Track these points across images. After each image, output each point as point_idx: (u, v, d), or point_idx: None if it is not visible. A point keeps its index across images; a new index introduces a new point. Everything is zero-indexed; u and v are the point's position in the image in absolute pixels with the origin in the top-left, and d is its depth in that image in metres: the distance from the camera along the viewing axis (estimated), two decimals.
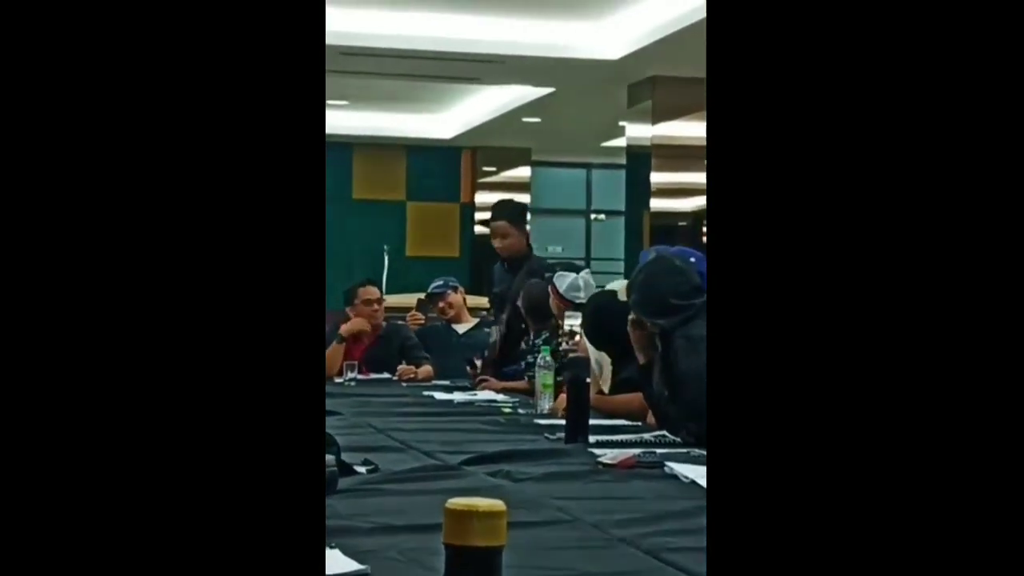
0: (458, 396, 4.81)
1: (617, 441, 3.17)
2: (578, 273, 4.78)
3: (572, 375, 3.40)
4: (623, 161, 10.87)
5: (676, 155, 9.68)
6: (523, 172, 14.75)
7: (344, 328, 5.97)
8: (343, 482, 2.39)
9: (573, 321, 4.39)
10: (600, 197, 15.42)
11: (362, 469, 2.63)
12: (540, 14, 8.70)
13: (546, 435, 3.39)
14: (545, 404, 4.02)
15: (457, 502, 1.36)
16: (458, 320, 6.26)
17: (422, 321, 6.53)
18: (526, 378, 4.73)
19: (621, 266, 11.27)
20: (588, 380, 3.45)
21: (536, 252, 5.98)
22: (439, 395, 4.87)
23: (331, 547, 1.73)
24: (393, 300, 7.81)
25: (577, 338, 4.33)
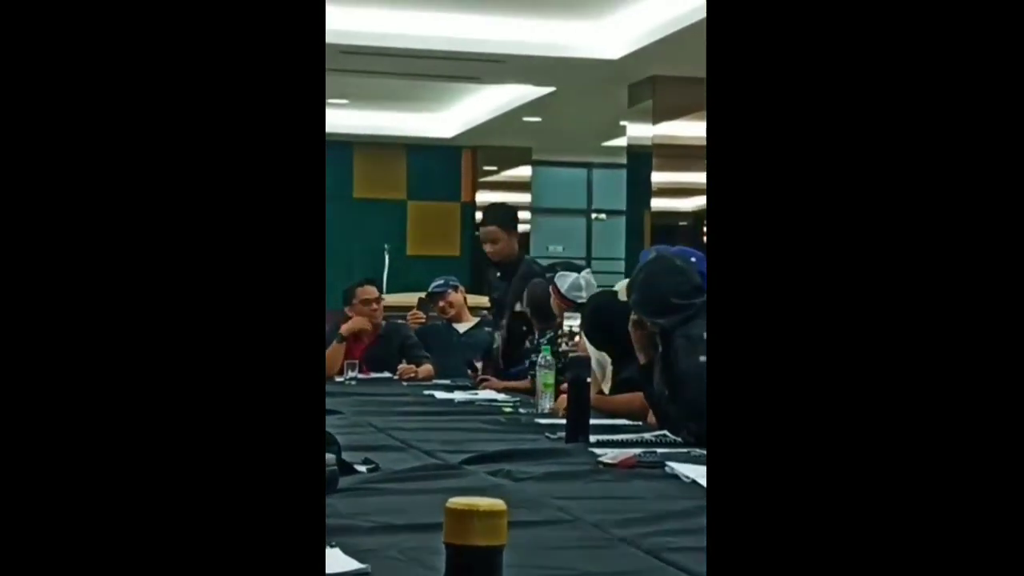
0: (459, 395, 4.81)
1: (618, 441, 3.17)
2: (579, 273, 4.78)
3: (573, 375, 3.39)
4: (624, 161, 10.87)
5: (677, 155, 9.68)
6: (524, 171, 14.75)
7: (344, 327, 5.97)
8: (344, 481, 2.39)
9: (572, 321, 4.39)
10: (601, 197, 15.41)
11: (363, 468, 2.63)
12: (541, 13, 8.70)
13: (547, 435, 3.39)
14: (546, 404, 4.02)
15: (458, 501, 1.36)
16: (459, 319, 6.26)
17: (423, 320, 6.53)
18: (529, 377, 4.73)
19: (622, 266, 11.26)
20: (589, 380, 3.45)
21: (537, 252, 6.00)
22: (440, 394, 4.87)
23: (331, 546, 1.73)
24: (394, 299, 7.81)
25: (577, 338, 4.33)
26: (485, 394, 4.85)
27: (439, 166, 14.29)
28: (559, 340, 4.40)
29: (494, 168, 14.56)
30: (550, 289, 4.79)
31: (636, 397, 3.70)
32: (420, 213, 14.47)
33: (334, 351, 5.76)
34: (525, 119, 11.98)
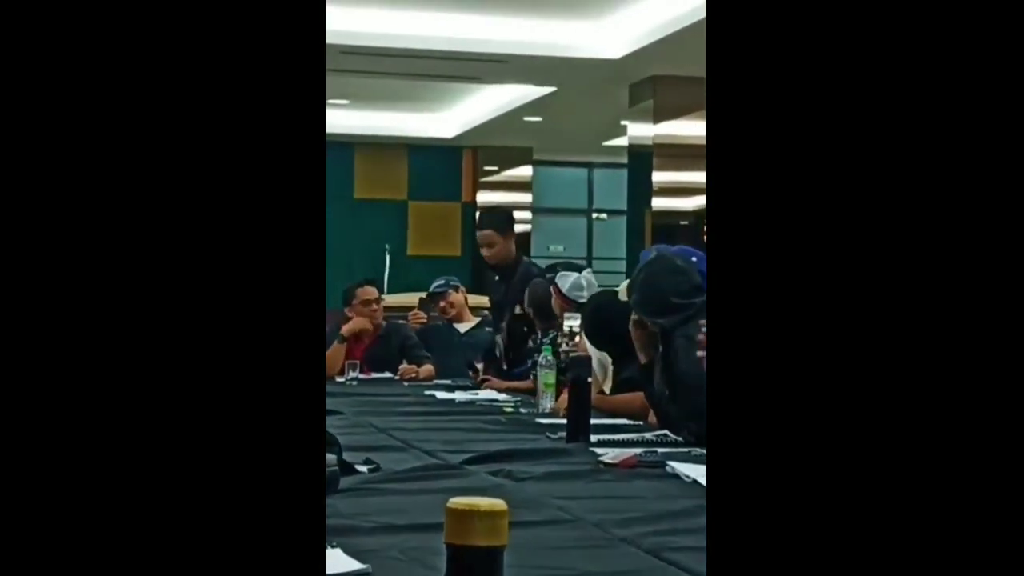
0: (459, 395, 4.81)
1: (618, 440, 3.17)
2: (580, 273, 4.78)
3: (574, 375, 3.39)
4: (625, 160, 10.88)
5: (678, 154, 9.69)
6: (525, 171, 14.75)
7: (345, 328, 5.97)
8: (345, 481, 2.39)
9: (572, 322, 4.39)
10: (602, 196, 15.42)
11: (363, 468, 2.63)
12: (542, 13, 8.70)
13: (547, 434, 3.39)
14: (547, 403, 4.02)
15: (458, 501, 1.36)
16: (459, 319, 6.26)
17: (424, 320, 6.54)
18: (531, 376, 4.73)
19: (623, 265, 11.27)
20: (590, 380, 3.45)
21: (538, 252, 6.02)
22: (440, 394, 4.87)
23: (332, 546, 1.73)
24: (395, 299, 7.81)
25: (577, 339, 4.33)
26: (486, 394, 4.85)
27: (440, 166, 14.30)
28: (559, 340, 4.40)
29: (495, 168, 14.56)
30: (551, 289, 4.79)
31: (637, 397, 3.69)
32: (421, 213, 14.48)
33: (335, 351, 5.76)
34: (526, 119, 11.98)
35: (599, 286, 4.68)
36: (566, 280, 4.72)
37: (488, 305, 6.25)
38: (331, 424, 3.05)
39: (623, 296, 3.66)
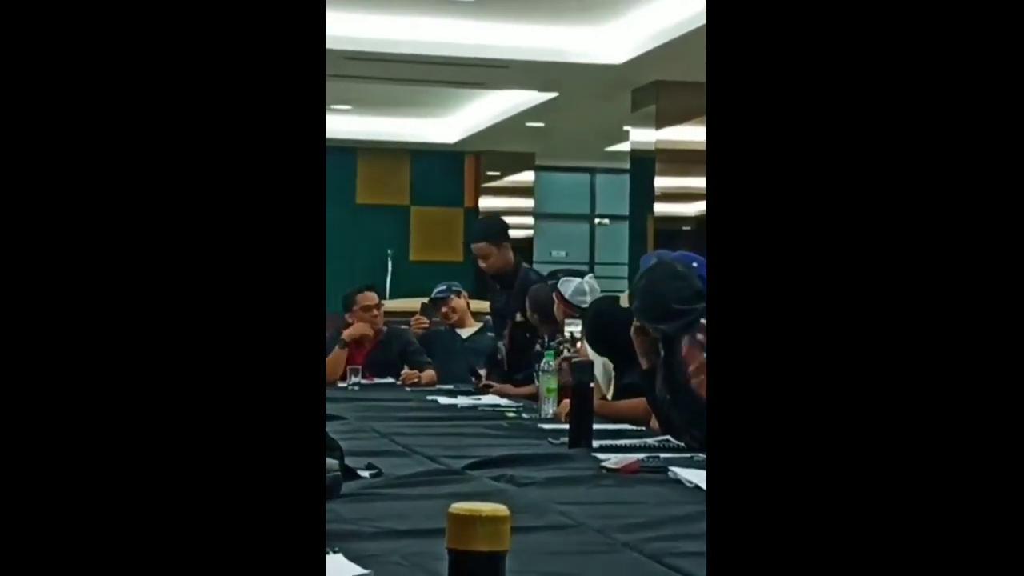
0: (462, 400, 4.81)
1: (621, 446, 3.17)
2: (582, 278, 4.78)
3: (576, 380, 3.39)
4: (627, 166, 10.88)
5: (680, 159, 9.70)
6: (527, 177, 14.76)
7: (347, 333, 5.97)
8: (346, 486, 2.39)
9: (574, 328, 4.39)
10: (604, 202, 15.42)
11: (365, 473, 2.63)
12: (544, 19, 8.71)
13: (549, 440, 3.39)
14: (549, 408, 4.02)
15: (460, 507, 1.36)
16: (462, 324, 6.26)
17: (426, 325, 6.53)
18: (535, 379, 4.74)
19: (625, 271, 11.28)
20: (592, 385, 3.45)
21: (540, 257, 6.02)
22: (443, 399, 4.87)
23: (334, 552, 1.73)
24: (397, 305, 7.82)
25: (579, 345, 4.33)
26: (488, 399, 4.85)
27: (442, 171, 14.31)
28: (561, 346, 4.40)
29: (497, 173, 14.57)
30: (553, 295, 4.79)
31: (639, 403, 3.69)
32: (423, 218, 14.49)
33: (336, 356, 5.76)
34: (528, 124, 11.99)
35: (601, 291, 4.68)
36: (568, 286, 4.72)
37: (490, 310, 6.25)
38: (333, 429, 3.05)
39: (624, 303, 3.66)
